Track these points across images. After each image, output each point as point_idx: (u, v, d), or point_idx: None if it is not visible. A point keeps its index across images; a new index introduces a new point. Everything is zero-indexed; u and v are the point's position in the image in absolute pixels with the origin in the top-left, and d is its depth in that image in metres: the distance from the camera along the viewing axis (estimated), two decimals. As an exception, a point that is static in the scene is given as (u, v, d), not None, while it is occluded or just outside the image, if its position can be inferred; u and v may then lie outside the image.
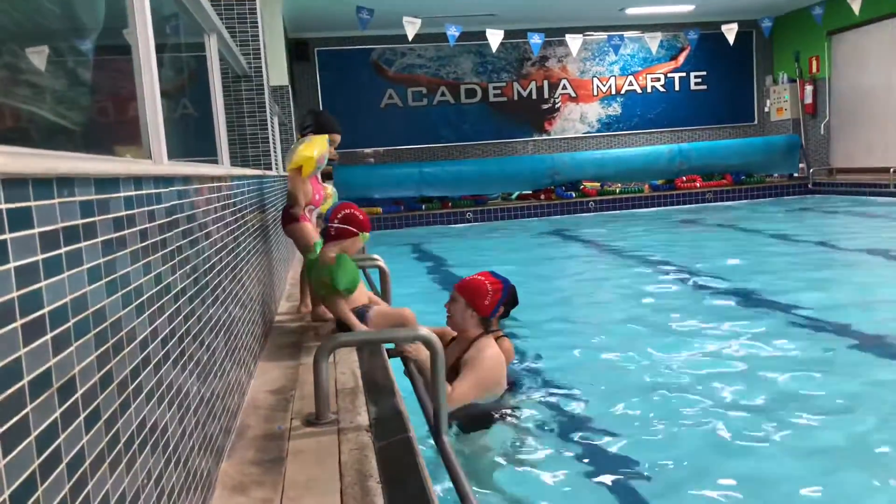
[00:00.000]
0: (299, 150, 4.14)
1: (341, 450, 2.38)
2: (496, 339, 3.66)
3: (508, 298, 3.68)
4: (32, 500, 0.92)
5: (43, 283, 1.01)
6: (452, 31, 12.47)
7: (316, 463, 2.28)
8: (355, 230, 3.79)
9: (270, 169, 5.94)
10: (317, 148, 4.14)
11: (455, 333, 3.72)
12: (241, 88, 5.85)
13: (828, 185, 15.00)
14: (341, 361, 3.39)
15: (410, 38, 12.36)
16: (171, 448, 1.65)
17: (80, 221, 1.17)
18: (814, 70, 16.14)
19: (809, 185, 15.29)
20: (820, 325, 4.98)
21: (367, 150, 16.01)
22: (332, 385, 3.02)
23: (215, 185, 2.64)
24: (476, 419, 3.32)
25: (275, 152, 6.54)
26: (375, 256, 4.88)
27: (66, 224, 1.11)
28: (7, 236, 0.91)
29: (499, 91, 16.67)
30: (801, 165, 15.84)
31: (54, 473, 1.00)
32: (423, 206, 14.11)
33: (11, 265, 0.92)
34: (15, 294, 0.92)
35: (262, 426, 2.65)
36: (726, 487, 2.77)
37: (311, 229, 4.32)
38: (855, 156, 15.44)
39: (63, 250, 1.09)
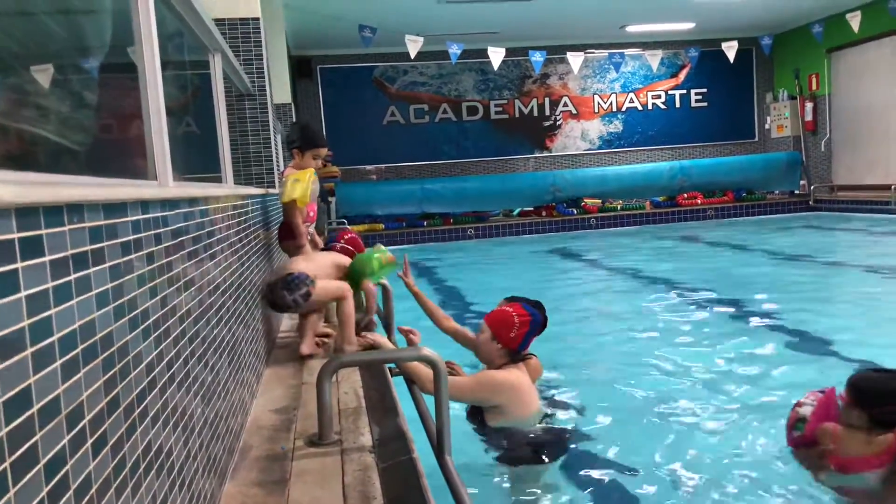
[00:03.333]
0: (287, 191, 4.17)
1: (345, 471, 2.37)
2: (523, 359, 3.57)
3: (538, 331, 3.55)
4: (41, 528, 0.92)
5: (53, 311, 1.01)
6: (454, 49, 12.54)
7: (320, 484, 2.28)
8: (354, 251, 4.60)
9: (273, 186, 5.96)
10: (300, 187, 4.18)
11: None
12: (245, 107, 5.88)
13: (829, 202, 15.02)
14: (344, 381, 3.38)
15: (413, 56, 12.43)
16: (175, 471, 1.65)
17: (89, 247, 1.18)
18: (814, 87, 16.21)
19: (810, 202, 15.31)
20: (822, 347, 4.97)
21: (369, 167, 16.07)
22: (335, 405, 3.01)
23: (220, 205, 2.65)
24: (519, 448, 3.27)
25: (278, 170, 6.56)
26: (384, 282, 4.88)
27: (75, 251, 1.12)
28: (19, 265, 0.92)
29: (500, 108, 16.74)
30: (801, 182, 15.87)
31: (62, 501, 1.00)
32: (425, 223, 14.13)
33: (22, 294, 0.92)
34: (25, 323, 0.93)
35: (265, 446, 2.65)
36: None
37: (309, 250, 4.36)
38: (856, 173, 15.47)
39: (72, 277, 1.10)
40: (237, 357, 2.77)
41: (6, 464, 0.85)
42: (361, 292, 4.38)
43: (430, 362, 2.59)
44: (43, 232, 1.00)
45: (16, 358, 0.89)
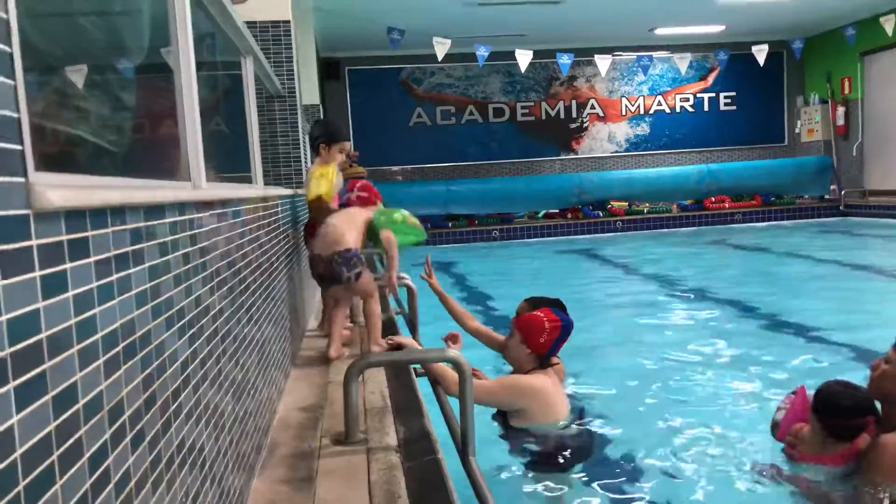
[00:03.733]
0: (312, 188, 4.25)
1: (371, 469, 2.40)
2: (552, 364, 3.57)
3: (567, 337, 3.55)
4: (84, 519, 0.96)
5: (97, 310, 1.05)
6: (482, 52, 12.56)
7: (346, 482, 2.31)
8: (374, 199, 4.49)
9: (300, 187, 6.02)
10: (325, 182, 4.26)
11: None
12: (275, 108, 5.95)
13: (860, 208, 14.79)
14: (370, 380, 3.42)
15: (440, 58, 12.47)
16: (206, 466, 1.69)
17: (130, 248, 1.22)
18: (846, 91, 15.97)
19: (841, 208, 15.09)
20: (853, 355, 4.91)
21: (395, 168, 16.12)
22: (361, 404, 3.05)
23: (251, 206, 2.70)
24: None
25: (306, 171, 6.63)
26: (403, 275, 4.91)
27: (117, 251, 1.16)
28: (67, 266, 0.95)
29: (527, 110, 16.71)
30: (832, 187, 15.65)
31: (103, 494, 1.04)
32: (450, 224, 14.16)
33: (70, 293, 0.96)
34: (73, 321, 0.96)
35: (292, 444, 2.69)
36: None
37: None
38: (889, 178, 15.20)
39: (115, 277, 1.14)
40: (266, 356, 2.82)
41: (54, 457, 0.89)
42: (381, 247, 4.24)
43: (455, 364, 2.61)
44: (89, 234, 1.03)
45: (63, 355, 0.93)
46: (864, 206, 14.74)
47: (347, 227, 3.94)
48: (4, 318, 0.79)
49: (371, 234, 4.11)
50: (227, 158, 4.29)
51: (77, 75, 2.44)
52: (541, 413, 3.33)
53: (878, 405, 2.77)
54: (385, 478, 2.32)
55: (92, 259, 1.04)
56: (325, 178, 4.20)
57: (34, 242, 0.87)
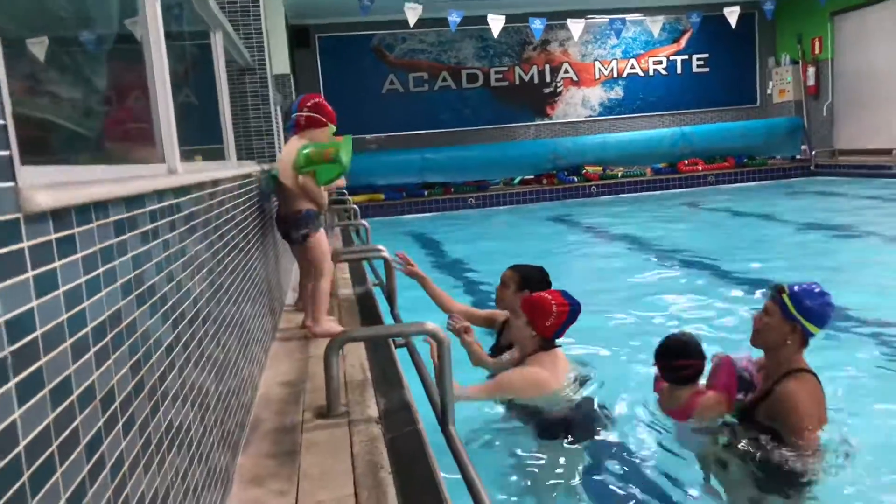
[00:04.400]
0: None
1: (353, 441, 2.47)
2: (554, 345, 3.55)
3: (574, 320, 3.50)
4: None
5: (86, 304, 1.09)
6: (454, 17, 12.47)
7: (329, 455, 2.38)
8: (325, 120, 3.87)
9: (275, 160, 6.00)
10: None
11: (507, 316, 3.83)
12: (245, 81, 5.90)
13: (830, 168, 15.03)
14: (350, 354, 3.47)
15: (412, 24, 12.35)
16: (193, 446, 1.75)
17: (114, 241, 1.25)
18: (816, 51, 16.10)
19: (812, 168, 15.32)
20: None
21: (369, 137, 16.03)
22: (342, 378, 3.11)
23: (227, 186, 2.72)
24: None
25: (279, 142, 6.60)
26: (380, 247, 4.96)
27: (102, 245, 1.19)
28: (57, 264, 0.99)
29: (500, 76, 16.66)
30: (803, 147, 15.86)
31: (99, 478, 1.09)
32: (426, 193, 14.16)
33: (60, 291, 1.00)
34: (64, 317, 1.00)
35: (275, 419, 2.75)
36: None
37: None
38: (858, 137, 15.43)
39: (101, 270, 1.17)
40: (245, 333, 2.86)
41: (53, 447, 0.93)
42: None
43: (433, 336, 2.68)
44: (75, 231, 1.07)
45: (57, 350, 0.97)
46: (834, 166, 14.97)
47: (290, 187, 3.75)
48: (2, 319, 0.83)
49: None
50: (199, 134, 4.27)
51: (38, 48, 2.40)
52: (543, 399, 3.38)
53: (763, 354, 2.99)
54: (367, 449, 2.39)
55: (79, 255, 1.08)
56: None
57: (25, 244, 0.90)
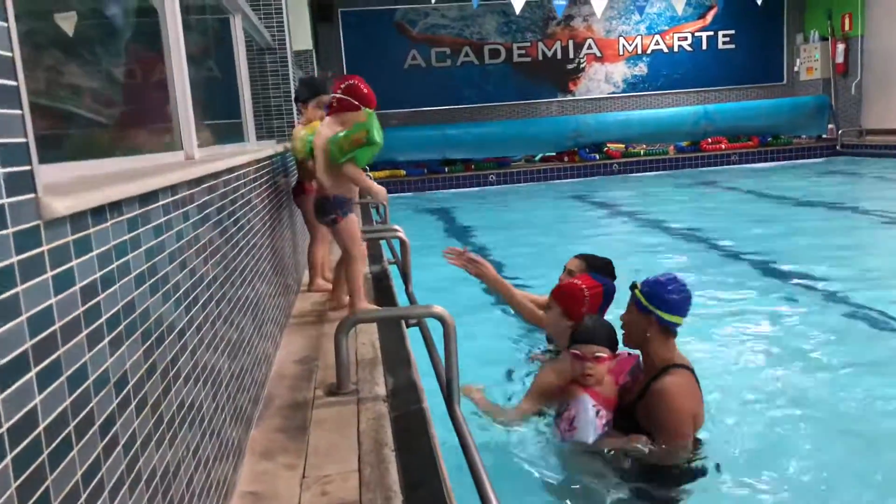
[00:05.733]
0: (297, 145, 4.23)
1: (360, 419, 2.59)
2: None
3: (611, 300, 3.40)
4: (97, 478, 1.12)
5: (101, 297, 1.20)
6: (476, -7, 12.40)
7: (336, 431, 2.50)
8: (358, 103, 3.61)
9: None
10: (298, 144, 4.26)
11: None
12: (266, 61, 5.99)
13: (857, 147, 14.81)
14: (362, 332, 3.59)
15: (434, 0, 12.30)
16: (206, 423, 1.86)
17: (127, 237, 1.35)
18: (846, 28, 15.78)
19: (838, 147, 15.11)
20: (838, 292, 5.09)
21: (390, 112, 16.06)
22: (353, 356, 3.23)
23: (243, 171, 2.82)
24: None
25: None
26: (396, 227, 5.05)
27: (117, 241, 1.29)
28: (73, 263, 1.09)
29: (523, 51, 16.56)
30: (829, 126, 15.63)
31: (113, 455, 1.20)
32: (447, 169, 14.21)
33: (77, 287, 1.10)
34: (80, 311, 1.11)
35: (287, 395, 2.87)
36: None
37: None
38: (887, 117, 15.16)
39: (115, 265, 1.28)
40: (260, 313, 2.98)
41: (70, 427, 1.04)
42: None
43: (440, 319, 2.77)
44: (91, 231, 1.17)
45: (74, 341, 1.08)
46: (862, 146, 14.76)
47: (320, 169, 3.69)
48: (25, 316, 0.93)
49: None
50: (220, 116, 4.38)
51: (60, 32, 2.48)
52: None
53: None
54: (373, 426, 2.50)
55: (94, 253, 1.18)
56: (297, 140, 4.31)
57: (45, 248, 1.00)
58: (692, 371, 2.84)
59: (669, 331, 2.84)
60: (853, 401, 3.44)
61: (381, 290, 4.69)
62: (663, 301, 2.80)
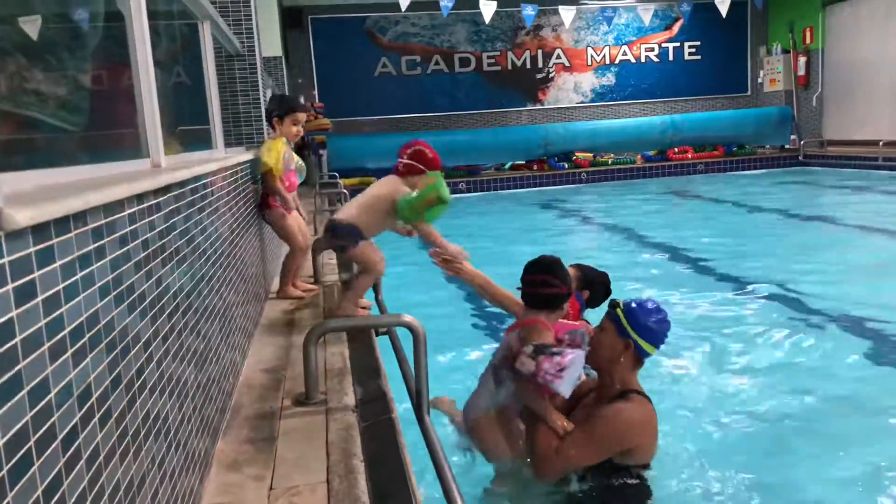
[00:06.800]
0: (263, 160, 4.33)
1: (329, 429, 2.57)
2: None
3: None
4: (59, 494, 1.10)
5: (64, 309, 1.17)
6: (445, 2, 12.47)
7: (305, 442, 2.48)
8: (424, 168, 3.77)
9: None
10: (273, 155, 4.32)
11: None
12: (235, 67, 5.94)
13: (818, 158, 15.15)
14: (331, 342, 3.57)
15: (404, 9, 12.35)
16: (171, 434, 1.84)
17: (92, 247, 1.33)
18: (808, 41, 16.16)
19: (800, 157, 15.44)
20: (798, 298, 5.20)
21: (361, 119, 16.03)
22: (322, 365, 3.20)
23: (210, 180, 2.79)
24: None
25: (267, 129, 6.65)
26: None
27: (81, 252, 1.27)
28: (35, 275, 1.07)
29: (493, 60, 16.68)
30: (792, 137, 15.97)
31: (75, 469, 1.18)
32: (417, 176, 14.20)
33: (39, 299, 1.08)
34: (42, 323, 1.09)
35: (255, 406, 2.84)
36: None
37: (290, 221, 4.52)
38: (846, 128, 15.55)
39: (79, 276, 1.25)
40: (228, 321, 2.95)
41: (31, 442, 1.02)
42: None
43: (410, 328, 2.77)
44: (54, 242, 1.15)
45: (35, 354, 1.06)
46: (823, 156, 15.10)
47: (361, 204, 3.77)
48: (-17, 330, 0.91)
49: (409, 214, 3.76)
50: (188, 123, 4.33)
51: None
52: None
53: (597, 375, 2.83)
54: (342, 437, 2.49)
55: (57, 264, 1.16)
56: (272, 152, 4.32)
57: (6, 260, 0.98)
58: (649, 400, 2.71)
59: (641, 360, 2.73)
60: (806, 405, 3.52)
61: (351, 299, 4.67)
62: (647, 329, 2.66)
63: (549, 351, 2.61)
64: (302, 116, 4.59)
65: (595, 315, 3.36)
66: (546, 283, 2.83)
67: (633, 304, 2.71)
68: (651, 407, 2.68)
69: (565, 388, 2.58)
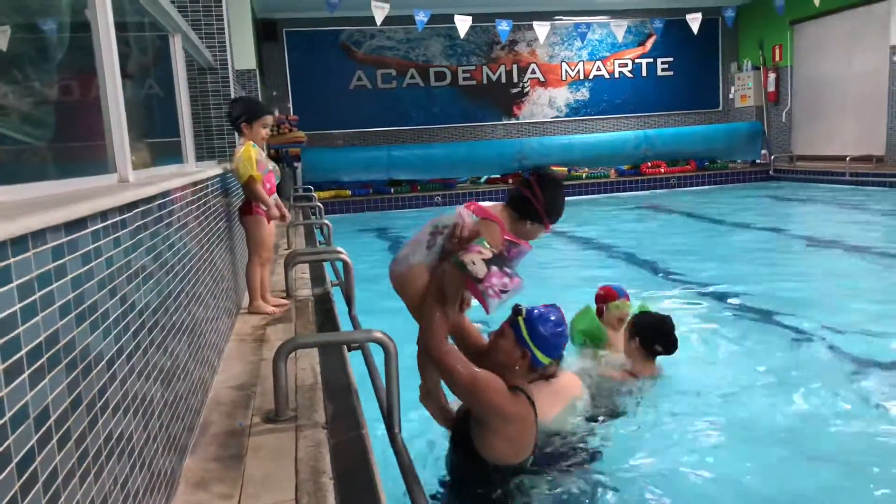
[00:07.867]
0: (241, 171, 4.29)
1: (298, 446, 2.54)
2: None
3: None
4: (14, 518, 1.08)
5: (20, 329, 1.15)
6: (421, 17, 12.53)
7: (274, 459, 2.45)
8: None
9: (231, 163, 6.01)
10: (252, 163, 4.29)
11: None
12: (207, 80, 5.92)
13: (788, 172, 15.40)
14: (302, 357, 3.53)
15: (379, 22, 12.38)
16: (136, 454, 1.81)
17: (52, 266, 1.31)
18: (777, 58, 16.46)
19: (770, 172, 15.69)
20: (769, 312, 5.28)
21: (336, 132, 16.01)
22: (293, 381, 3.18)
23: (179, 195, 2.77)
24: None
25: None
26: (339, 249, 5.02)
27: (39, 271, 1.25)
28: (-10, 295, 1.06)
29: (468, 75, 16.76)
30: (763, 152, 16.23)
31: (32, 492, 1.15)
32: (392, 190, 14.22)
33: (-6, 320, 1.06)
34: (-3, 344, 1.07)
35: (224, 423, 2.81)
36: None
37: (267, 231, 4.50)
38: (815, 143, 15.83)
39: (37, 295, 1.24)
40: (197, 338, 2.92)
41: (-17, 467, 1.00)
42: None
43: (381, 344, 2.76)
44: (11, 262, 1.13)
45: (-11, 376, 1.04)
46: (792, 171, 15.35)
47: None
48: (-67, 353, 0.89)
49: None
50: (157, 137, 4.30)
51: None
52: None
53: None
54: (312, 454, 2.46)
55: (14, 284, 1.14)
56: (250, 160, 4.27)
57: (-42, 280, 0.97)
58: (534, 407, 2.65)
59: (535, 369, 2.65)
60: (785, 416, 3.56)
61: (324, 313, 4.64)
62: (544, 340, 2.60)
63: (504, 268, 2.52)
64: (270, 119, 4.58)
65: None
66: (529, 185, 2.80)
67: (535, 313, 2.64)
68: (531, 410, 2.62)
69: (495, 306, 2.51)
